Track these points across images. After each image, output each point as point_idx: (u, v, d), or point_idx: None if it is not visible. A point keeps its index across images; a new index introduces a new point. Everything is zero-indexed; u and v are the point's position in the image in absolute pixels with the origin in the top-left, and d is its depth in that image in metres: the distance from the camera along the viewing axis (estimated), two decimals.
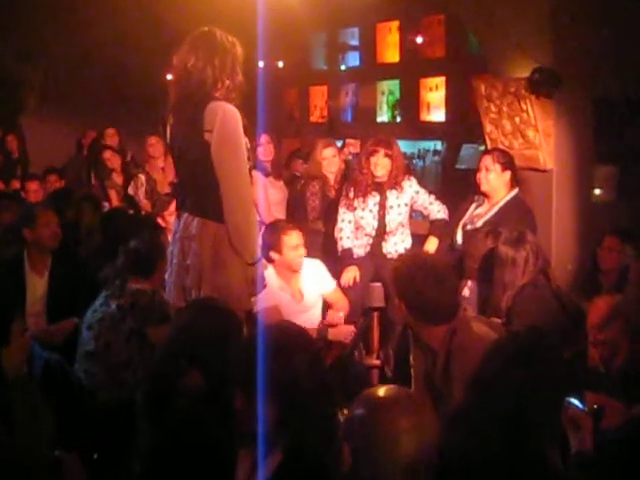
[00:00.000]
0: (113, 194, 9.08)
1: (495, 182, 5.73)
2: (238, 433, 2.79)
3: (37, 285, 5.57)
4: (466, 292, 5.10)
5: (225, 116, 4.05)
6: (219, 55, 4.13)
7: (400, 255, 5.78)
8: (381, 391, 2.32)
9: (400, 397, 2.29)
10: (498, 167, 5.73)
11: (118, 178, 9.22)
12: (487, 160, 5.80)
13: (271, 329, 2.83)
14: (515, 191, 5.77)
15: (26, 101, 11.06)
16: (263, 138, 7.35)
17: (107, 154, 9.25)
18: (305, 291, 5.55)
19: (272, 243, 5.44)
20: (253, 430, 2.61)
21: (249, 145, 4.22)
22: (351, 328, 5.47)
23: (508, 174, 5.75)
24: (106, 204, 8.46)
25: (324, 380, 2.71)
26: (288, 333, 2.79)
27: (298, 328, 2.90)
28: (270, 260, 5.43)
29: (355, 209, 6.37)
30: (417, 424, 2.21)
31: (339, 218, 6.45)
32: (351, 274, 6.24)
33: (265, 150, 7.43)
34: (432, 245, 6.33)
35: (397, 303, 3.77)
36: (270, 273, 5.42)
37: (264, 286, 4.39)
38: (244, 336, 3.43)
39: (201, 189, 4.17)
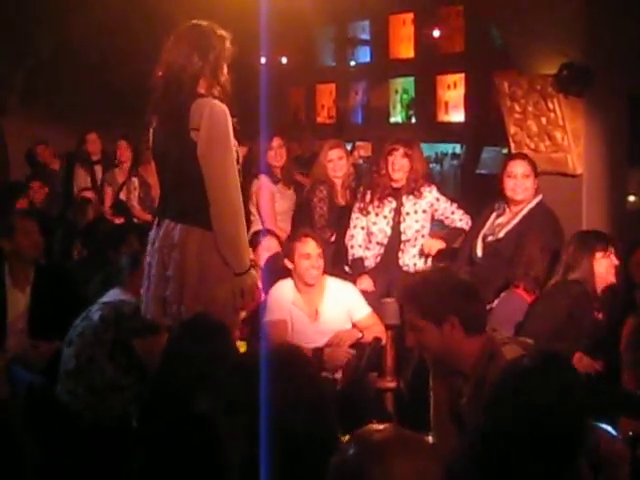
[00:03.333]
0: (109, 192, 9.21)
1: (531, 189, 5.68)
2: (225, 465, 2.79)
3: (19, 300, 5.55)
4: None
5: (213, 113, 4.05)
6: (203, 51, 4.13)
7: (416, 272, 5.66)
8: (377, 430, 2.29)
9: (398, 438, 2.27)
10: (533, 173, 5.69)
11: (120, 175, 9.35)
12: (523, 166, 5.67)
13: (260, 353, 2.82)
14: (539, 197, 5.72)
15: (6, 102, 11.10)
16: (275, 141, 7.19)
17: (122, 144, 9.43)
18: (324, 312, 5.48)
19: (288, 250, 5.55)
20: (239, 462, 2.61)
21: (237, 148, 4.22)
22: (348, 352, 5.40)
23: (536, 181, 5.74)
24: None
25: (321, 408, 2.69)
26: (281, 357, 2.77)
27: (293, 351, 2.89)
28: (288, 270, 5.49)
29: (369, 214, 6.30)
30: (415, 469, 2.19)
31: (351, 224, 6.38)
32: (367, 282, 6.14)
33: (277, 154, 7.24)
34: (434, 244, 6.23)
35: (420, 326, 3.70)
36: (286, 284, 5.47)
37: (258, 298, 4.38)
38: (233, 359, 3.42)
39: (185, 193, 4.14)
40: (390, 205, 6.26)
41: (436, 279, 3.71)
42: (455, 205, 6.45)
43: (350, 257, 6.36)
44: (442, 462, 2.27)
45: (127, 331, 4.60)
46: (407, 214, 6.23)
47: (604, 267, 5.03)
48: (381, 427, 2.30)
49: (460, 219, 6.39)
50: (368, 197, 6.31)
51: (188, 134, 4.04)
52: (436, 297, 3.62)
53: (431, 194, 6.30)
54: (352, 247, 6.36)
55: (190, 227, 4.09)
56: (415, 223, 6.23)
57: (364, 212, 6.32)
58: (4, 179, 9.84)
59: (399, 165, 6.16)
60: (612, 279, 5.03)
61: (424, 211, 6.26)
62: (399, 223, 6.23)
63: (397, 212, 6.25)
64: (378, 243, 6.29)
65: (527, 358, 3.00)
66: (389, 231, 6.25)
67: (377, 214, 6.28)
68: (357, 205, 6.40)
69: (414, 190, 6.22)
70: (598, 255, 5.01)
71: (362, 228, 6.34)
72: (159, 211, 4.40)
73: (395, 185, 6.22)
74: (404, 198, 6.24)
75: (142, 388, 4.41)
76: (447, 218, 6.41)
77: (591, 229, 5.63)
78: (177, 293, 4.09)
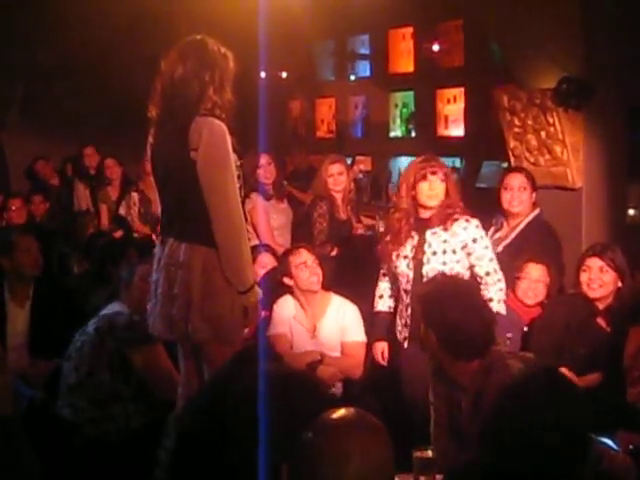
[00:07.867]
0: (104, 210, 9.19)
1: (528, 202, 5.74)
2: None
3: (18, 316, 5.58)
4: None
5: (211, 133, 4.09)
6: (209, 68, 4.16)
7: (433, 278, 4.63)
8: (332, 413, 2.34)
9: (351, 419, 2.31)
10: (530, 186, 5.74)
11: (113, 192, 9.33)
12: (520, 179, 5.74)
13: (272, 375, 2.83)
14: (537, 211, 5.78)
15: (6, 116, 11.15)
16: (263, 159, 7.28)
17: (109, 162, 9.38)
18: (322, 329, 5.50)
19: (284, 269, 5.52)
20: None
21: (238, 162, 4.26)
22: (337, 374, 5.39)
23: (534, 194, 5.79)
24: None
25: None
26: (289, 380, 2.79)
27: (300, 374, 2.91)
28: (289, 289, 5.50)
29: (391, 260, 5.08)
30: (365, 448, 2.22)
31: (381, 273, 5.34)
32: (381, 347, 5.27)
33: (265, 172, 7.36)
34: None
35: (424, 332, 3.73)
36: (289, 300, 5.51)
37: (259, 316, 4.42)
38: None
39: (188, 212, 4.18)
40: (412, 242, 5.01)
41: (448, 289, 3.74)
42: (495, 262, 5.02)
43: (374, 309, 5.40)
44: (389, 442, 2.30)
45: (121, 340, 4.66)
46: (433, 254, 4.93)
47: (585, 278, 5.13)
48: (339, 410, 2.34)
49: (497, 287, 4.96)
50: (388, 242, 5.11)
51: (188, 154, 4.07)
52: (431, 305, 3.67)
53: (466, 232, 4.94)
54: (378, 297, 5.35)
55: (194, 246, 4.13)
56: (442, 266, 4.88)
57: (386, 258, 5.13)
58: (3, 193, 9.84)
59: (437, 192, 4.94)
60: (591, 291, 5.08)
61: (454, 251, 4.93)
62: (421, 265, 4.95)
63: (419, 249, 4.97)
64: (405, 291, 5.05)
65: (527, 375, 3.01)
66: (411, 275, 4.97)
67: (398, 255, 5.03)
68: (382, 254, 5.19)
69: (446, 221, 4.94)
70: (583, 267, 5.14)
71: (384, 275, 5.26)
72: (162, 229, 4.44)
73: (422, 215, 5.02)
74: (429, 233, 4.96)
75: (144, 399, 4.46)
76: (480, 279, 4.97)
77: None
78: (183, 311, 4.13)
